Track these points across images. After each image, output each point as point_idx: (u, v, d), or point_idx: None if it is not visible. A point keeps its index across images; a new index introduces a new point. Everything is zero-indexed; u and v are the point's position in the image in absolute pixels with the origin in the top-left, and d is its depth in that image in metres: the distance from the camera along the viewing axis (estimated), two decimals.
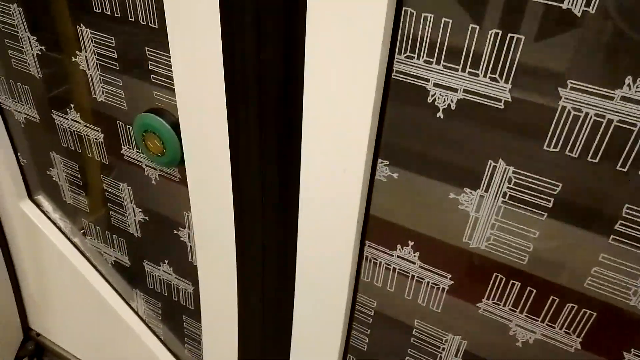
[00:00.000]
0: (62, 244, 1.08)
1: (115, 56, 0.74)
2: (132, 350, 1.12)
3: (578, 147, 0.48)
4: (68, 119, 0.88)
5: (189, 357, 1.07)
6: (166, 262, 0.95)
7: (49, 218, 1.08)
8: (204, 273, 0.86)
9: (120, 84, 0.77)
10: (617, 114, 0.45)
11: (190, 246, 0.88)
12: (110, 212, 0.95)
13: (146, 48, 0.70)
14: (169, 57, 0.65)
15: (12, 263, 1.21)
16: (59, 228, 1.08)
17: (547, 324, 0.60)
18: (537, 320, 0.61)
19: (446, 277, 0.64)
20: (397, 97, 0.55)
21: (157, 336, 1.08)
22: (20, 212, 1.09)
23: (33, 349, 1.33)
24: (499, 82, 0.48)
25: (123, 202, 0.92)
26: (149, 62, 0.71)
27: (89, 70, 0.78)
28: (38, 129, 0.95)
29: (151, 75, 0.72)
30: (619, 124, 0.45)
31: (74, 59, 0.79)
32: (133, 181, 0.88)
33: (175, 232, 0.88)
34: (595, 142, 0.47)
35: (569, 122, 0.47)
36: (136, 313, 1.08)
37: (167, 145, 0.73)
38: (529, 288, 0.59)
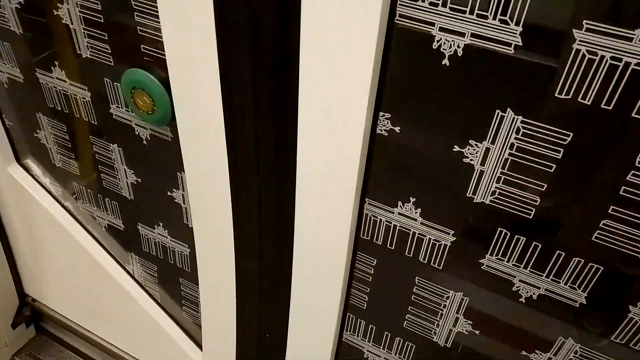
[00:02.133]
0: (53, 208, 1.06)
1: (99, 8, 0.70)
2: (129, 314, 1.12)
3: (591, 94, 0.45)
4: (53, 78, 0.84)
5: (186, 319, 1.07)
6: (161, 224, 0.93)
7: (39, 182, 1.05)
8: (200, 235, 0.84)
9: (106, 39, 0.73)
10: (636, 56, 0.42)
11: (185, 208, 0.86)
12: (102, 174, 0.93)
13: None
14: (157, 7, 0.61)
15: (4, 229, 1.19)
16: (50, 192, 1.05)
17: (552, 279, 0.59)
18: (542, 276, 0.59)
19: (448, 234, 0.63)
20: (400, 45, 0.52)
21: (154, 299, 1.08)
22: (8, 177, 1.06)
23: (29, 314, 1.32)
24: (509, 25, 0.45)
25: (114, 164, 0.89)
26: (135, 13, 0.67)
27: (72, 24, 0.74)
28: (22, 90, 0.91)
29: (138, 28, 0.68)
30: (637, 67, 0.43)
31: (55, 12, 0.75)
32: (123, 142, 0.85)
33: (169, 193, 0.86)
34: (610, 88, 0.44)
35: (582, 66, 0.44)
36: (132, 277, 1.07)
37: (157, 102, 0.70)
38: (534, 243, 0.58)
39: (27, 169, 1.05)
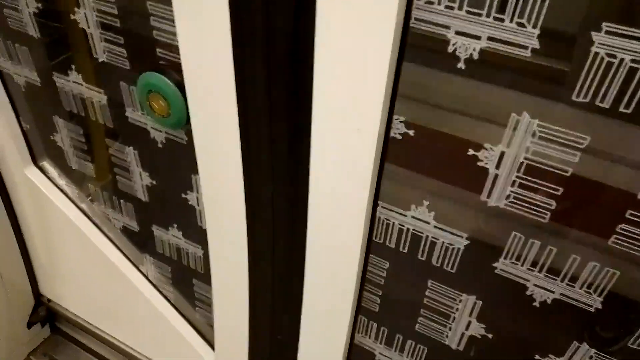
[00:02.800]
0: (69, 210, 1.07)
1: (116, 12, 0.71)
2: (143, 315, 1.13)
3: (610, 97, 0.45)
4: (69, 81, 0.85)
5: (199, 320, 1.08)
6: (175, 226, 0.94)
7: (55, 184, 1.07)
8: (213, 237, 0.85)
9: (122, 43, 0.74)
10: None
11: (199, 210, 0.87)
12: (117, 176, 0.94)
13: (148, 2, 0.67)
14: (172, 11, 0.62)
15: (20, 230, 1.21)
16: (66, 194, 1.07)
17: (567, 284, 0.59)
18: (557, 280, 0.59)
19: (462, 237, 0.63)
20: (415, 48, 0.52)
21: (168, 300, 1.08)
22: (25, 179, 1.07)
23: (45, 314, 1.34)
24: (526, 28, 0.45)
25: (129, 166, 0.90)
26: (151, 17, 0.68)
27: (89, 29, 0.75)
28: (39, 93, 0.92)
29: (154, 32, 0.69)
30: None
31: (72, 17, 0.76)
32: (139, 145, 0.86)
33: (183, 195, 0.86)
34: (630, 91, 0.44)
35: (601, 69, 0.44)
36: (146, 277, 1.08)
37: (172, 106, 0.71)
38: (549, 247, 0.57)
39: (43, 171, 1.06)
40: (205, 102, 0.67)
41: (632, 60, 0.43)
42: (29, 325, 1.33)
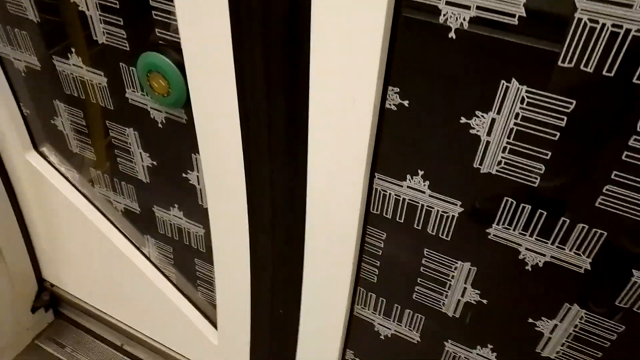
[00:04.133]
0: (70, 194, 1.09)
1: None
2: (145, 296, 1.15)
3: (593, 61, 0.47)
4: (70, 64, 0.87)
5: (202, 299, 1.10)
6: (176, 206, 0.95)
7: (56, 169, 1.08)
8: (215, 215, 0.87)
9: (122, 24, 0.75)
10: (636, 23, 0.44)
11: (200, 189, 0.89)
12: (118, 158, 0.95)
13: None
14: None
15: (22, 216, 1.22)
16: (67, 178, 1.08)
17: (557, 246, 0.61)
18: (547, 243, 0.62)
19: (456, 205, 0.65)
20: (408, 19, 0.54)
21: (170, 280, 1.11)
22: (26, 164, 1.09)
23: (48, 299, 1.36)
24: None
25: (130, 147, 0.92)
26: None
27: (88, 11, 0.77)
28: (39, 77, 0.93)
29: (153, 12, 0.70)
30: (637, 34, 0.44)
31: (71, 0, 0.77)
32: (139, 126, 0.88)
33: (184, 175, 0.88)
34: (612, 55, 0.46)
35: (584, 34, 0.46)
36: (148, 259, 1.10)
37: (172, 85, 0.72)
38: (539, 210, 0.60)
39: (44, 156, 1.08)
40: (205, 79, 0.69)
41: (614, 25, 0.45)
42: (33, 310, 1.35)
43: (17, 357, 1.34)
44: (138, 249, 1.10)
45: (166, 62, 0.71)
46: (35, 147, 1.08)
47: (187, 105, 0.74)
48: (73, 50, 0.84)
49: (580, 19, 0.46)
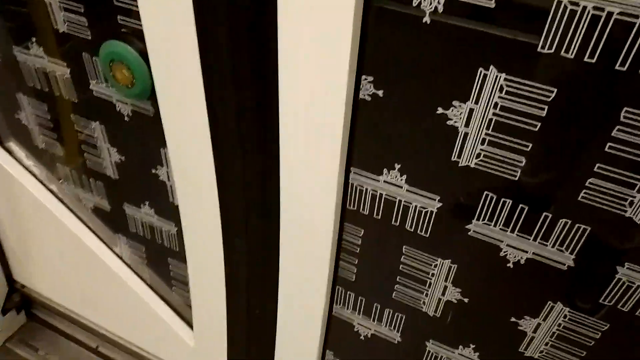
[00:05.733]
0: (38, 191, 1.04)
1: None
2: (119, 297, 1.11)
3: (574, 47, 0.45)
4: (31, 55, 0.82)
5: (177, 299, 1.06)
6: (147, 203, 0.92)
7: (22, 165, 1.04)
8: (186, 212, 0.83)
9: (82, 11, 0.71)
10: (618, 4, 0.41)
11: (170, 185, 0.85)
12: (85, 154, 0.91)
13: None
14: None
15: None
16: (34, 175, 1.04)
17: (539, 242, 0.59)
18: (529, 239, 0.59)
19: (434, 200, 0.62)
20: (380, 3, 0.50)
21: (144, 281, 1.07)
22: None
23: (19, 300, 1.31)
24: None
25: (97, 142, 0.87)
26: None
27: None
28: (1, 70, 0.89)
29: None
30: (620, 17, 0.42)
31: None
32: (105, 119, 0.83)
33: (153, 171, 0.84)
34: (593, 40, 0.43)
35: (564, 18, 0.43)
36: (121, 259, 1.06)
37: (136, 75, 0.69)
38: (520, 205, 0.57)
39: (10, 152, 1.03)
40: (170, 69, 0.65)
41: (595, 8, 0.42)
42: (4, 312, 1.30)
43: None
44: (110, 248, 1.06)
45: (129, 50, 0.67)
46: (1, 143, 1.03)
47: (153, 96, 0.70)
48: (34, 40, 0.80)
49: (560, 2, 0.43)
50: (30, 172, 1.04)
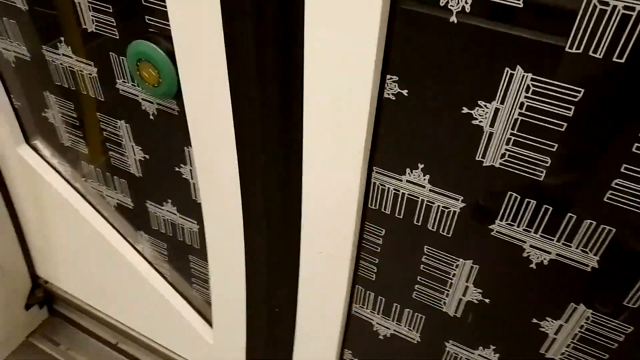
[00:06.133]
0: (63, 189, 1.06)
1: None
2: (139, 293, 1.12)
3: (603, 47, 0.44)
4: (59, 54, 0.84)
5: (197, 297, 1.08)
6: (169, 201, 0.93)
7: (48, 163, 1.06)
8: (208, 210, 0.84)
9: (111, 11, 0.72)
10: None
11: (193, 183, 0.86)
12: (110, 152, 0.93)
13: None
14: None
15: (15, 211, 1.20)
16: (59, 172, 1.06)
17: (563, 243, 0.58)
18: (553, 240, 0.59)
19: (457, 200, 0.62)
20: (407, 3, 0.51)
21: (165, 277, 1.08)
22: (18, 158, 1.06)
23: (42, 296, 1.33)
24: None
25: (122, 140, 0.89)
26: None
27: None
28: (29, 68, 0.91)
29: None
30: None
31: None
32: (130, 118, 0.85)
33: (176, 169, 0.86)
34: (623, 40, 0.43)
35: (594, 18, 0.43)
36: (142, 255, 1.08)
37: (162, 74, 0.70)
38: (544, 206, 0.57)
39: (36, 150, 1.06)
40: (196, 68, 0.66)
41: (625, 7, 0.42)
42: (27, 307, 1.33)
43: (10, 355, 1.32)
44: (132, 245, 1.07)
45: (156, 50, 0.69)
46: (27, 141, 1.05)
47: (178, 95, 0.71)
48: (62, 39, 0.82)
49: (589, 1, 0.43)
50: (56, 169, 1.06)
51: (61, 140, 1.00)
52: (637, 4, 0.41)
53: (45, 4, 0.80)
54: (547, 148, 0.53)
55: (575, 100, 0.48)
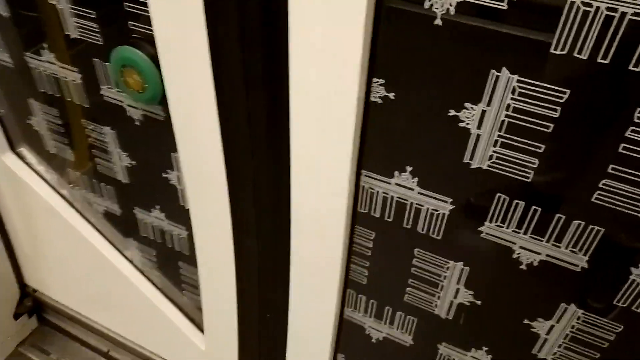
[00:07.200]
0: (49, 196, 1.05)
1: None
2: (130, 301, 1.11)
3: (587, 48, 0.44)
4: (43, 61, 0.83)
5: (187, 303, 1.07)
6: (157, 207, 0.92)
7: (34, 170, 1.04)
8: (196, 216, 0.83)
9: (94, 17, 0.71)
10: (632, 5, 0.41)
11: (181, 189, 0.85)
12: (96, 158, 0.92)
13: None
14: None
15: (2, 219, 1.18)
16: (46, 180, 1.05)
17: (552, 244, 0.58)
18: (542, 241, 0.59)
19: (447, 202, 0.62)
20: (391, 6, 0.50)
21: (155, 285, 1.07)
22: (4, 167, 1.05)
23: (31, 305, 1.32)
24: None
25: (108, 147, 0.88)
26: None
27: (59, 4, 0.73)
28: (13, 75, 0.89)
29: (125, 4, 0.67)
30: (633, 17, 0.41)
31: None
32: (116, 124, 0.84)
33: (164, 175, 0.85)
34: (607, 41, 0.43)
35: (577, 19, 0.43)
36: (131, 262, 1.06)
37: (147, 80, 0.69)
38: (533, 207, 0.57)
39: (21, 158, 1.04)
40: (181, 73, 0.65)
41: (608, 8, 0.42)
42: (16, 316, 1.31)
43: None
44: (120, 252, 1.06)
45: (140, 56, 0.68)
46: (12, 148, 1.04)
47: (163, 101, 0.71)
48: (45, 46, 0.81)
49: (573, 2, 0.43)
50: (42, 177, 1.04)
51: (47, 147, 0.98)
52: (619, 5, 0.41)
53: (27, 10, 0.79)
54: (534, 149, 0.52)
55: (561, 101, 0.48)
